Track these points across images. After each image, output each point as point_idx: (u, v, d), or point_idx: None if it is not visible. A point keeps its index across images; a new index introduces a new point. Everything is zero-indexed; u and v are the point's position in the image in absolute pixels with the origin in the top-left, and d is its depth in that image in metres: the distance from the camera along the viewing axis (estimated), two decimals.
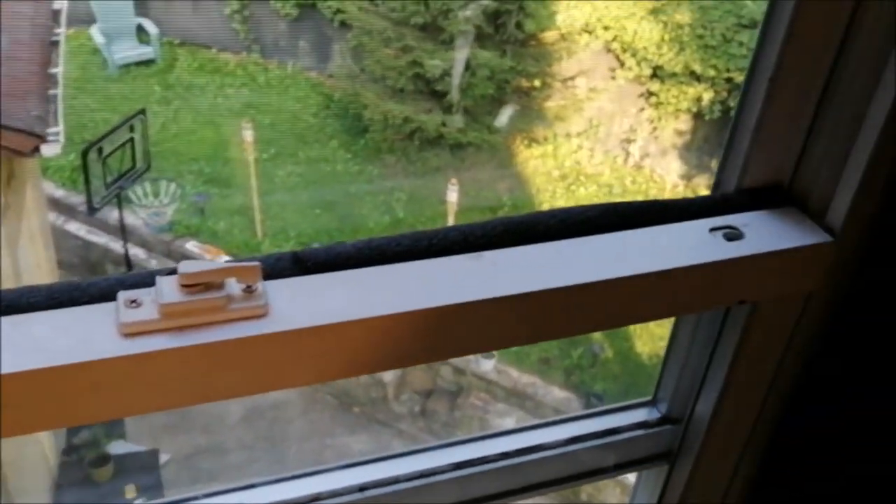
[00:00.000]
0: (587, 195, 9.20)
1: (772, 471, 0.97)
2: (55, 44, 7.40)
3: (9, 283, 6.45)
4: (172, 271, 0.62)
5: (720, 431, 0.92)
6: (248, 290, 0.62)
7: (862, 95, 0.73)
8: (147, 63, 11.29)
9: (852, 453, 0.92)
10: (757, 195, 0.80)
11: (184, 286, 0.60)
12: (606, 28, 8.45)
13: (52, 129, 6.58)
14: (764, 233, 0.77)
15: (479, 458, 0.90)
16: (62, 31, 7.50)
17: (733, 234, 0.76)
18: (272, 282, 0.65)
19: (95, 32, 11.11)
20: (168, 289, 0.60)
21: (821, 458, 0.95)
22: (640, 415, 0.99)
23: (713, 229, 0.76)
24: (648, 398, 1.00)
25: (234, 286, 0.62)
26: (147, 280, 0.62)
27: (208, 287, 0.61)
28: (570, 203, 9.20)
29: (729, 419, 0.91)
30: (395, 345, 0.65)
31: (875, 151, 0.73)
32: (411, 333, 0.65)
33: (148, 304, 0.60)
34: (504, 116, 8.61)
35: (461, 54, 8.32)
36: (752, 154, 0.78)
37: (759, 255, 0.74)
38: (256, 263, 0.62)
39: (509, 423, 8.14)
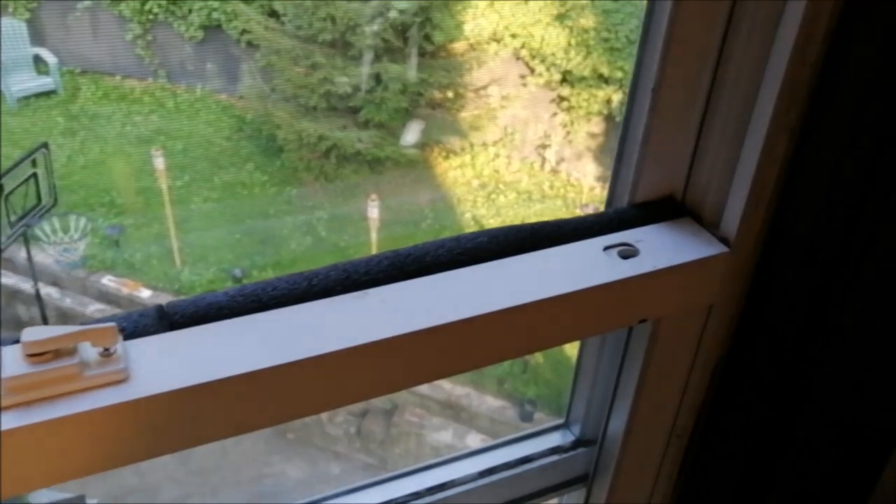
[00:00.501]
0: (507, 202, 9.26)
1: (690, 487, 0.95)
2: None
3: None
4: (17, 340, 0.56)
5: (634, 451, 0.90)
6: (106, 354, 0.57)
7: (745, 101, 0.72)
8: (47, 94, 10.88)
9: (769, 463, 0.91)
10: (650, 209, 0.78)
11: (30, 356, 0.54)
12: (514, 36, 8.53)
13: None
14: (659, 248, 0.75)
15: (387, 503, 0.85)
16: None
17: (628, 252, 0.74)
18: (135, 341, 0.59)
19: None
20: (11, 361, 0.54)
21: (738, 469, 0.94)
22: (553, 439, 0.96)
23: (607, 247, 0.74)
24: (561, 421, 0.97)
25: (89, 351, 0.56)
26: None
27: (58, 354, 0.55)
28: (492, 212, 9.24)
29: (641, 437, 0.89)
30: (273, 400, 0.60)
31: (762, 157, 0.72)
32: (290, 386, 0.60)
33: None
34: (411, 133, 8.57)
35: (370, 69, 8.28)
36: (642, 167, 0.76)
37: (655, 272, 0.72)
38: (111, 325, 0.56)
39: (446, 436, 8.09)
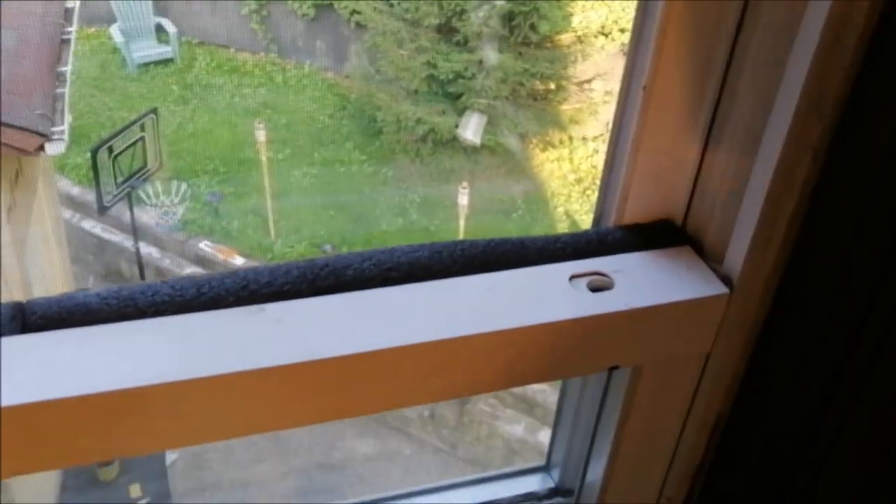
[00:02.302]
0: None
1: None
2: (66, 42, 7.37)
3: (16, 282, 6.42)
4: None
5: None
6: None
7: (758, 112, 0.57)
8: (166, 62, 11.28)
9: None
10: (640, 232, 0.64)
11: None
12: (623, 30, 8.25)
13: (57, 128, 6.53)
14: (642, 281, 0.61)
15: None
16: (73, 29, 7.46)
17: (600, 283, 0.61)
18: None
19: (115, 31, 11.12)
20: None
21: None
22: (531, 483, 0.83)
23: (575, 276, 0.61)
24: (542, 464, 0.85)
25: None
26: None
27: None
28: (586, 207, 9.01)
29: (622, 493, 0.76)
30: (119, 429, 0.51)
31: (776, 182, 0.57)
32: (142, 414, 0.51)
33: None
34: (470, 129, 8.36)
35: (473, 56, 8.17)
36: (632, 181, 0.63)
37: (629, 312, 0.59)
38: None
39: (518, 430, 7.97)
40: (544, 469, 0.84)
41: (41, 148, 6.45)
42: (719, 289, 0.61)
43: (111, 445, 0.52)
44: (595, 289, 0.60)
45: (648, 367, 0.65)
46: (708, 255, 0.64)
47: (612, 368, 0.63)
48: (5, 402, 0.48)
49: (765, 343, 0.65)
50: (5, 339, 0.52)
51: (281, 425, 0.54)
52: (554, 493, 0.82)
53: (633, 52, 0.60)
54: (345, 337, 0.54)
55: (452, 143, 8.82)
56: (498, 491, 0.83)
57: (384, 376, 0.55)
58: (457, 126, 8.50)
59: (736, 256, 0.61)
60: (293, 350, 0.53)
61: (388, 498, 0.82)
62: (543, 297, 0.59)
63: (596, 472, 0.75)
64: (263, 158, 9.23)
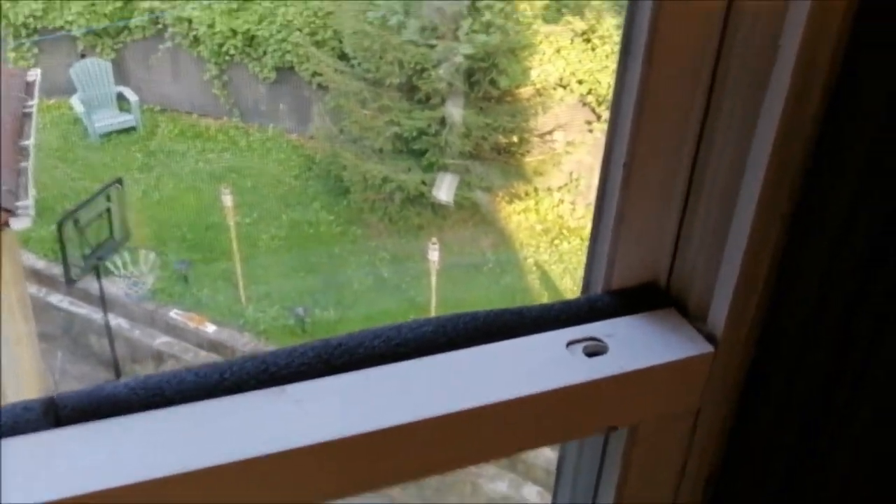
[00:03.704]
0: (571, 248, 9.13)
1: None
2: (27, 115, 7.37)
3: None
4: None
5: None
6: None
7: (730, 181, 0.63)
8: (128, 131, 11.29)
9: None
10: (627, 297, 0.69)
11: None
12: (581, 82, 8.48)
13: (21, 203, 6.50)
14: (633, 344, 0.66)
15: None
16: (34, 102, 7.47)
17: (595, 348, 0.65)
18: (12, 440, 0.53)
19: (76, 102, 11.13)
20: None
21: None
22: None
23: (572, 342, 0.65)
24: None
25: None
26: None
27: None
28: (555, 258, 9.12)
29: None
30: None
31: (750, 245, 0.62)
32: (178, 500, 0.53)
33: None
34: (443, 189, 8.47)
35: (435, 113, 8.31)
36: (617, 249, 0.68)
37: (624, 375, 0.63)
38: None
39: (502, 486, 7.91)
40: None
41: (6, 223, 6.40)
42: (704, 347, 0.66)
43: None
44: (590, 353, 0.65)
45: (644, 425, 0.69)
46: (692, 315, 0.68)
47: (611, 429, 0.67)
48: (46, 498, 0.51)
49: (750, 394, 0.70)
50: (41, 435, 0.54)
51: (308, 500, 0.57)
52: None
53: (612, 132, 0.65)
54: (361, 414, 0.58)
55: (420, 199, 8.92)
56: None
57: (402, 449, 0.58)
58: (424, 183, 8.60)
59: (718, 315, 0.66)
60: (316, 429, 0.56)
61: None
62: (545, 364, 0.63)
63: None
64: (231, 223, 9.24)
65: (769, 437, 0.71)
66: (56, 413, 0.56)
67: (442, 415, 0.59)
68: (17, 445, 0.53)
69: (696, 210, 0.66)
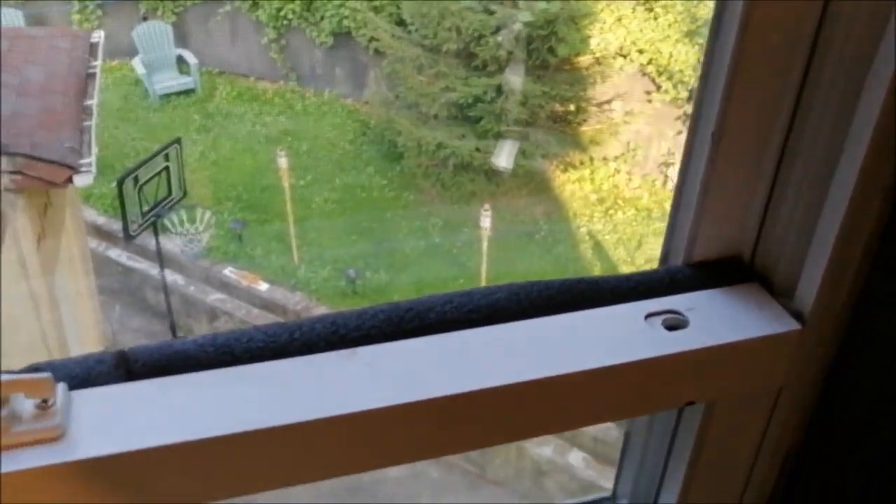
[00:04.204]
0: (625, 219, 9.00)
1: None
2: (91, 76, 7.49)
3: (46, 310, 6.49)
4: None
5: None
6: (43, 407, 0.51)
7: (829, 151, 0.59)
8: (187, 93, 11.44)
9: None
10: (710, 270, 0.66)
11: None
12: (641, 51, 8.28)
13: (84, 160, 6.62)
14: (715, 319, 0.63)
15: None
16: (98, 63, 7.58)
17: (675, 322, 0.62)
18: (84, 392, 0.53)
19: (137, 64, 11.30)
20: None
21: None
22: None
23: (651, 315, 0.63)
24: (607, 494, 0.86)
25: (23, 403, 0.50)
26: None
27: None
28: (609, 227, 9.00)
29: None
30: (228, 471, 0.53)
31: (848, 219, 0.59)
32: (248, 458, 0.53)
33: None
34: (503, 156, 8.37)
35: (491, 80, 8.22)
36: (701, 220, 0.65)
37: (706, 349, 0.60)
38: (46, 376, 0.50)
39: (547, 451, 7.92)
40: (610, 500, 0.85)
41: (70, 180, 6.55)
42: (791, 325, 0.63)
43: (212, 489, 0.54)
44: (670, 327, 0.62)
45: (722, 402, 0.66)
46: (777, 290, 0.65)
47: (687, 404, 0.65)
48: (117, 450, 0.50)
49: (837, 375, 0.66)
50: (114, 387, 0.54)
51: (376, 465, 0.56)
52: None
53: (700, 100, 0.62)
54: (433, 380, 0.56)
55: (473, 166, 8.86)
56: None
57: (473, 417, 0.57)
58: (478, 150, 8.53)
59: (807, 291, 0.63)
60: (388, 393, 0.55)
61: None
62: (622, 336, 0.60)
63: (668, 502, 0.76)
64: (285, 185, 9.31)
65: (855, 423, 0.68)
66: (127, 367, 0.55)
67: (514, 383, 0.57)
68: (89, 397, 0.53)
69: (787, 181, 0.62)
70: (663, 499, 0.78)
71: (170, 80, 11.38)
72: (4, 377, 0.49)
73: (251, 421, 0.53)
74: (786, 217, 0.63)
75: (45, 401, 0.51)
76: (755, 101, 0.58)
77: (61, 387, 0.51)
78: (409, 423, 0.56)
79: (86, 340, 7.28)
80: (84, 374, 0.54)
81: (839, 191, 0.59)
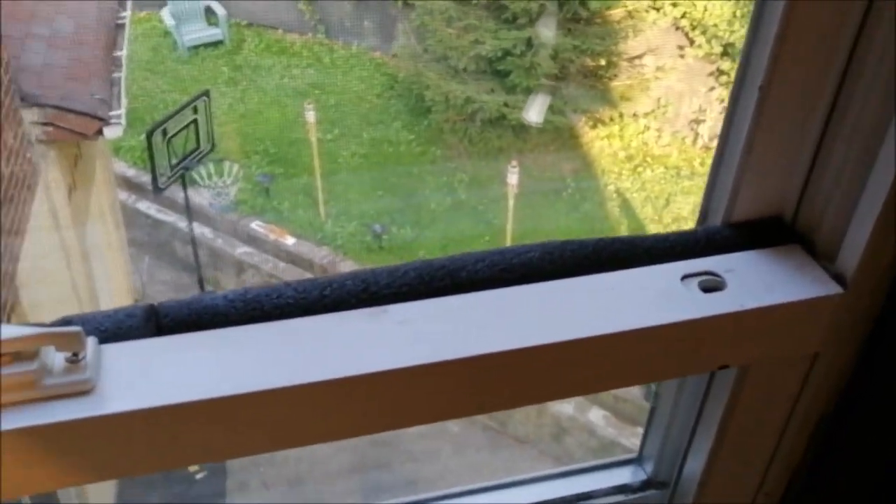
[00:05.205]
0: (654, 177, 8.90)
1: None
2: (121, 27, 7.47)
3: (77, 261, 6.59)
4: None
5: (711, 502, 0.77)
6: (73, 360, 0.51)
7: (881, 109, 0.57)
8: (215, 44, 11.39)
9: None
10: (750, 230, 0.64)
11: None
12: (675, 5, 8.09)
13: (114, 112, 6.63)
14: (754, 281, 0.61)
15: None
16: (127, 14, 7.56)
17: (712, 283, 0.61)
18: (115, 346, 0.53)
19: (166, 15, 11.27)
20: None
21: None
22: (622, 475, 0.84)
23: (687, 276, 0.61)
24: (633, 455, 0.85)
25: (54, 356, 0.50)
26: None
27: (19, 358, 0.49)
28: (637, 185, 8.91)
29: (721, 489, 0.76)
30: (258, 427, 0.53)
31: None
32: (276, 414, 0.52)
33: None
34: (533, 110, 8.26)
35: (521, 33, 8.08)
36: (743, 179, 0.62)
37: (743, 312, 0.59)
38: (76, 329, 0.50)
39: (567, 408, 7.94)
40: (636, 461, 0.85)
41: (100, 132, 6.57)
42: (833, 288, 0.61)
43: (240, 445, 0.54)
44: (707, 289, 0.61)
45: (755, 366, 0.65)
46: (819, 253, 0.63)
47: (722, 367, 0.63)
48: (147, 405, 0.50)
49: (875, 343, 0.65)
50: (144, 342, 0.54)
51: (406, 424, 0.55)
52: (647, 485, 0.82)
53: (748, 52, 0.59)
54: (466, 339, 0.55)
55: (501, 121, 8.77)
56: (588, 483, 0.83)
57: (506, 377, 0.56)
58: (506, 105, 8.44)
59: (851, 255, 0.61)
60: (420, 351, 0.54)
61: (479, 490, 0.83)
62: (658, 298, 0.59)
63: (694, 468, 0.76)
64: (313, 139, 9.29)
65: (891, 392, 0.67)
66: (157, 321, 0.55)
67: (547, 344, 0.56)
68: (120, 351, 0.53)
69: (834, 141, 0.60)
70: (690, 463, 0.77)
71: (198, 32, 11.34)
72: (36, 330, 0.49)
73: (281, 378, 0.52)
74: (832, 177, 0.61)
75: (75, 354, 0.51)
76: (806, 54, 0.56)
77: (92, 340, 0.51)
78: (440, 383, 0.55)
79: (116, 292, 7.38)
80: (114, 328, 0.54)
81: (889, 153, 0.57)
